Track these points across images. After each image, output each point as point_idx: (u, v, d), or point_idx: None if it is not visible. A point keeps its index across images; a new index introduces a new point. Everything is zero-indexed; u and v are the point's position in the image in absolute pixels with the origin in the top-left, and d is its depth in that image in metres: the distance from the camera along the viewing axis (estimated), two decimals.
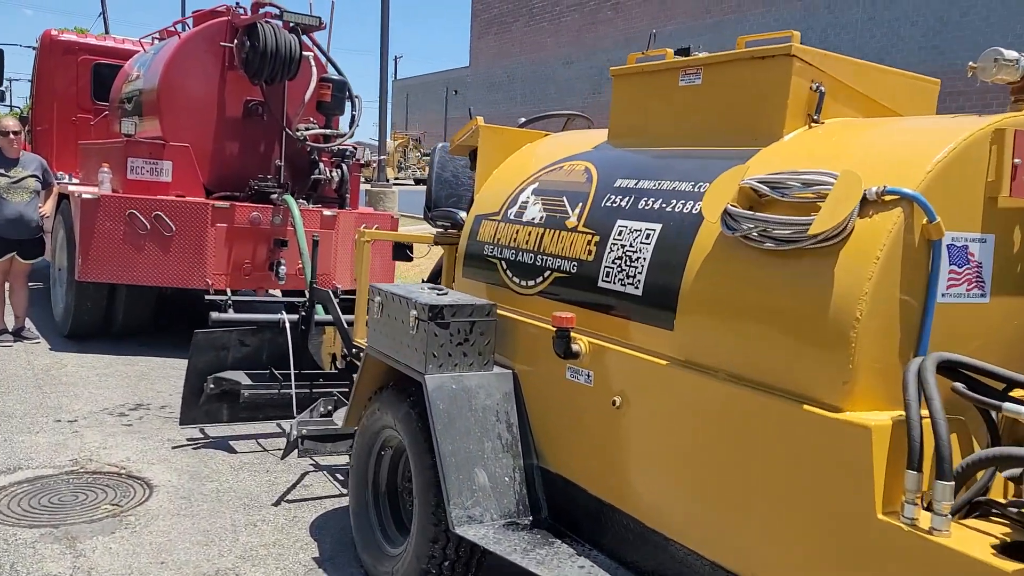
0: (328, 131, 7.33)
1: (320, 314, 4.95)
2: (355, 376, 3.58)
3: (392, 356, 3.07)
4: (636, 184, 2.71)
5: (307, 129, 7.23)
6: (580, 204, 2.88)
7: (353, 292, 5.62)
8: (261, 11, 6.86)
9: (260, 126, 7.35)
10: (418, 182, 36.88)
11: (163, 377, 6.00)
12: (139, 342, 7.02)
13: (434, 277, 5.10)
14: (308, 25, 6.92)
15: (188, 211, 6.54)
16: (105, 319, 6.99)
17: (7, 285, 6.83)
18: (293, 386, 4.57)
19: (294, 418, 4.61)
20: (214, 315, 4.72)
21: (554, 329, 2.63)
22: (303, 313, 4.85)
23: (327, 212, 7.05)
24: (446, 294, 3.09)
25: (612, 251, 2.63)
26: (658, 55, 2.98)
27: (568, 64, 46.91)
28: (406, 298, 2.98)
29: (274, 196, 6.81)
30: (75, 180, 8.98)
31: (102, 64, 9.92)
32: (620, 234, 2.62)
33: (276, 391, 4.60)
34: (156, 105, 7.00)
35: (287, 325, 4.74)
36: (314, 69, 7.18)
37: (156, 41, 8.45)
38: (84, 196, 6.43)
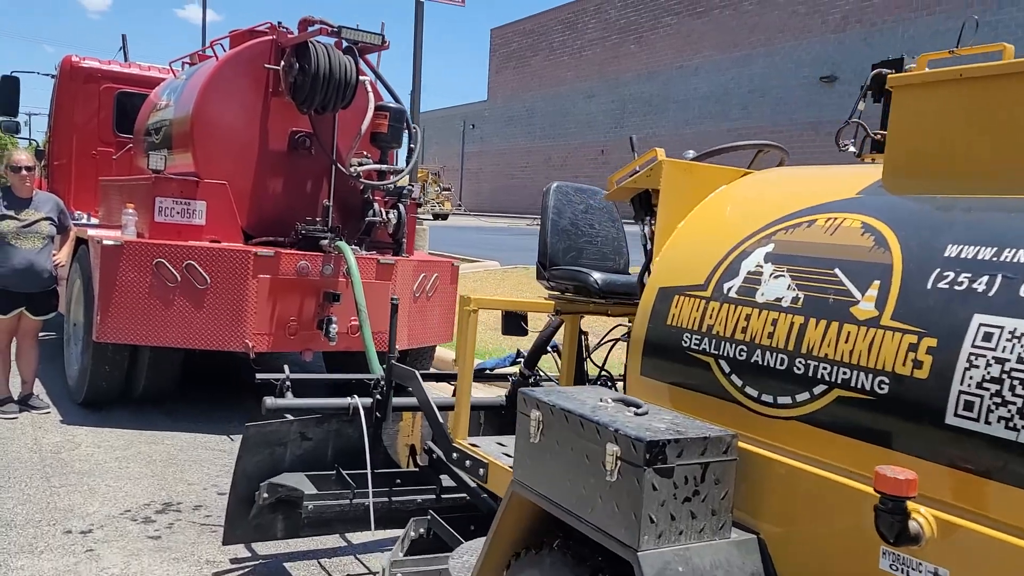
0: (384, 166, 6.38)
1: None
2: (463, 482, 2.55)
3: (569, 509, 2.05)
4: (999, 256, 1.69)
5: (360, 164, 6.28)
6: (877, 282, 1.86)
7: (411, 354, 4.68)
8: (310, 29, 5.96)
9: (307, 161, 6.41)
10: (436, 216, 36.13)
11: (194, 462, 4.99)
12: (163, 411, 6.02)
13: (537, 353, 4.10)
14: (369, 44, 6.00)
15: (226, 260, 5.58)
16: (125, 383, 6.00)
17: (14, 345, 5.86)
18: (371, 494, 3.54)
19: (370, 530, 3.62)
20: (268, 401, 3.71)
21: (876, 494, 1.61)
22: (379, 396, 3.84)
23: (384, 260, 6.07)
24: (646, 412, 2.07)
25: (972, 366, 1.60)
26: (991, 51, 2.00)
27: (589, 98, 46.46)
28: (595, 423, 1.97)
29: (324, 242, 5.83)
30: (94, 221, 8.06)
31: (126, 93, 9.08)
32: (987, 339, 1.60)
33: (348, 500, 3.57)
34: (189, 136, 6.07)
35: (361, 412, 3.73)
36: (370, 95, 6.26)
37: (186, 66, 7.56)
38: (105, 242, 5.48)
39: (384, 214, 6.29)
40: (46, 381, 6.50)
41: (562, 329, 3.64)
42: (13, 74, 9.39)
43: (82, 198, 8.66)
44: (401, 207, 6.41)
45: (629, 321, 3.59)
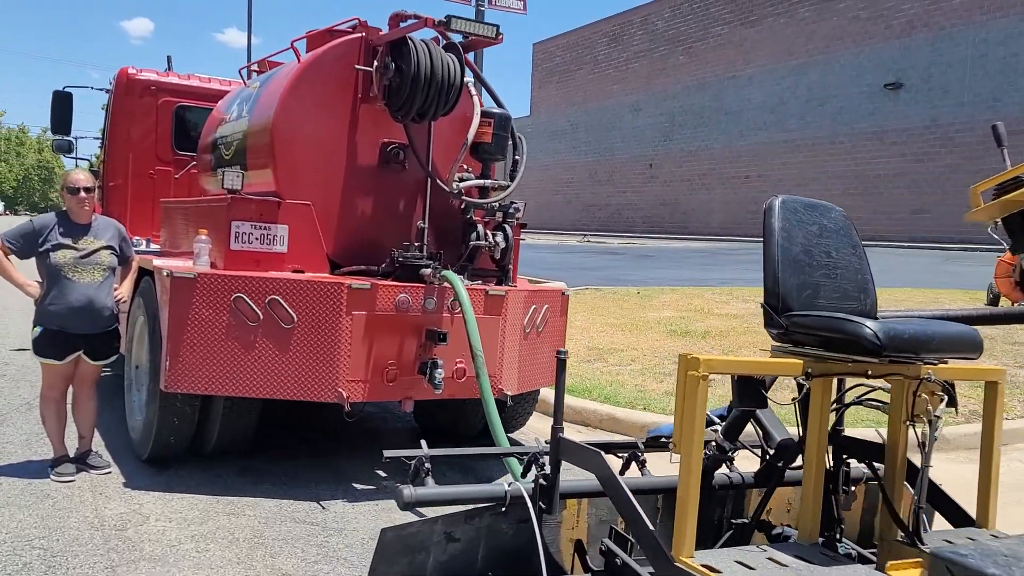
0: (487, 182, 5.51)
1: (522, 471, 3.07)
2: None
3: None
4: None
5: (462, 180, 5.42)
6: None
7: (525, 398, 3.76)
8: (405, 24, 5.13)
9: (399, 177, 5.57)
10: None
11: (284, 541, 4.12)
12: (239, 469, 5.18)
13: (742, 421, 3.17)
14: (480, 38, 5.14)
15: (315, 294, 4.73)
16: (196, 436, 5.18)
17: (70, 393, 5.08)
18: None
19: None
20: (406, 493, 2.82)
21: None
22: (542, 480, 2.93)
23: (493, 291, 5.19)
24: None
25: None
26: None
27: (636, 111, 45.47)
28: None
29: (426, 272, 4.96)
30: (154, 247, 7.31)
31: (186, 107, 8.37)
32: None
33: None
34: (268, 150, 5.26)
35: (528, 503, 2.83)
36: (475, 99, 5.41)
37: (254, 74, 6.79)
38: (175, 274, 4.67)
39: (492, 238, 5.40)
40: (105, 431, 5.71)
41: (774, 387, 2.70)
42: (66, 89, 8.74)
43: (139, 222, 7.94)
44: (508, 228, 5.53)
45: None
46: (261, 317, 4.69)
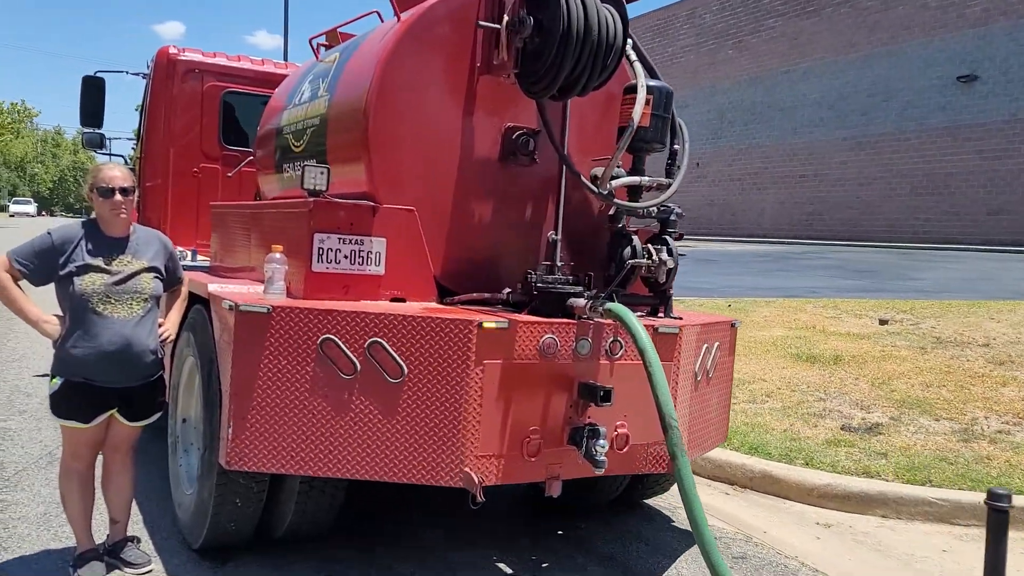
0: (642, 179, 4.14)
1: None
2: None
3: None
4: None
5: (612, 177, 4.06)
6: None
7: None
8: None
9: (527, 173, 4.24)
10: None
11: None
12: (316, 562, 3.89)
13: None
14: None
15: (434, 336, 3.40)
16: (263, 518, 3.89)
17: (99, 462, 3.81)
18: None
19: None
20: None
21: None
22: None
23: (665, 328, 3.82)
24: None
25: None
26: None
27: (683, 107, 43.66)
28: None
29: (578, 303, 3.62)
30: (201, 260, 6.07)
31: (236, 94, 7.11)
32: None
33: None
34: (360, 137, 3.94)
35: None
36: (638, 68, 4.05)
37: (322, 49, 5.47)
38: (242, 307, 3.37)
39: (655, 255, 4.04)
40: (144, 507, 4.45)
41: None
42: (97, 74, 7.53)
43: (181, 230, 6.69)
44: (670, 241, 4.17)
45: None
46: (359, 368, 3.37)
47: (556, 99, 3.89)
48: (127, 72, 7.99)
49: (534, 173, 4.24)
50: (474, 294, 3.93)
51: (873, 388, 7.02)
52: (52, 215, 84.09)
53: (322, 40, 5.79)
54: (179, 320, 3.99)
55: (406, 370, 3.38)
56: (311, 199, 3.74)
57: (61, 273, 3.46)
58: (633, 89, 4.07)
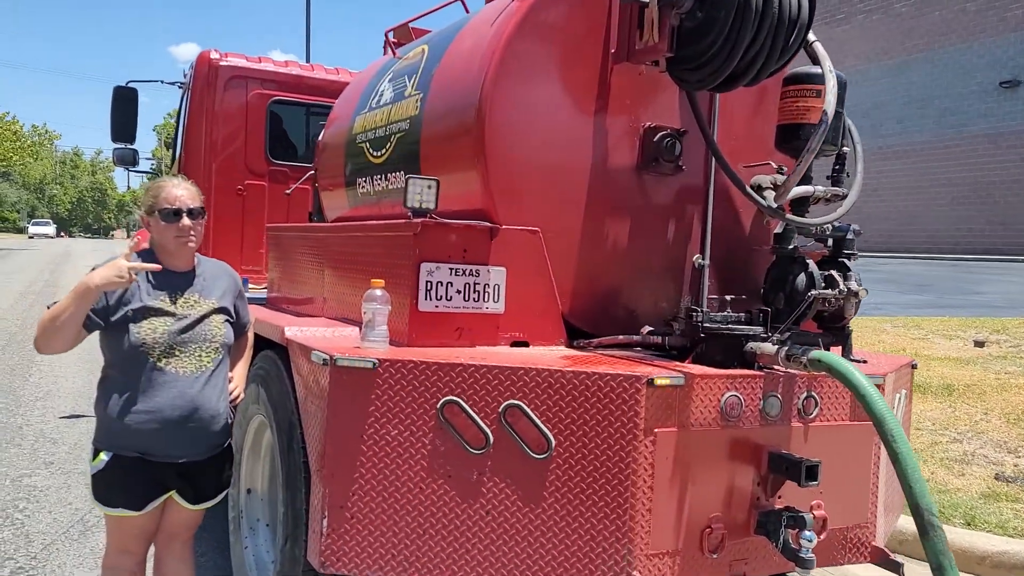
0: (819, 188, 3.34)
1: None
2: None
3: None
4: None
5: (774, 186, 3.26)
6: None
7: None
8: None
9: (669, 184, 3.45)
10: None
11: None
12: None
13: None
14: None
15: (590, 397, 2.60)
16: None
17: (151, 550, 3.02)
18: None
19: None
20: None
21: None
22: None
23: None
24: None
25: None
26: None
27: None
28: None
29: (765, 348, 2.81)
30: (252, 288, 5.32)
31: (283, 103, 6.39)
32: None
33: None
34: (473, 142, 3.14)
35: None
36: (819, 50, 3.26)
37: (393, 49, 4.70)
38: (340, 362, 2.60)
39: (839, 281, 3.22)
40: None
41: None
42: (129, 84, 6.83)
43: (225, 255, 5.91)
44: (850, 264, 3.36)
45: None
46: (491, 440, 2.58)
47: (718, 90, 3.09)
48: (162, 82, 7.30)
49: (675, 183, 3.45)
50: (619, 336, 3.13)
51: (1010, 425, 6.15)
52: (71, 236, 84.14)
53: (401, 36, 5.06)
54: (247, 373, 3.22)
55: (554, 443, 2.59)
56: (417, 220, 2.96)
57: (113, 319, 2.69)
58: (795, 79, 3.27)
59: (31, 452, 5.95)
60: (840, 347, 3.37)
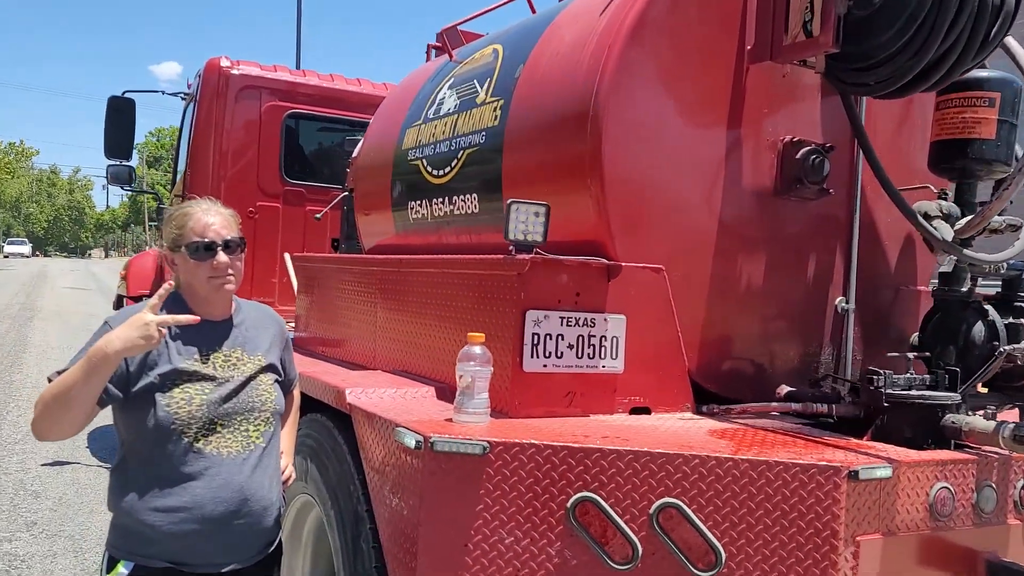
0: (997, 218, 2.74)
1: None
2: None
3: None
4: None
5: (943, 215, 2.67)
6: None
7: None
8: None
9: (804, 212, 2.84)
10: None
11: None
12: None
13: None
14: None
15: (770, 494, 1.97)
16: None
17: None
18: None
19: None
20: None
21: None
22: None
23: None
24: None
25: None
26: None
27: None
28: None
29: (979, 423, 2.19)
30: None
31: (301, 116, 5.77)
32: None
33: None
34: (584, 157, 2.50)
35: None
36: (1016, 48, 2.68)
37: (449, 51, 4.08)
38: (440, 444, 1.95)
39: None
40: None
41: None
42: (126, 95, 6.18)
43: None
44: None
45: None
46: (639, 551, 1.94)
47: (896, 95, 2.50)
48: (163, 92, 6.64)
49: (816, 210, 2.84)
50: (771, 404, 2.50)
51: None
52: (47, 255, 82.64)
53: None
54: (294, 442, 2.55)
55: (724, 555, 1.95)
56: (523, 256, 2.33)
57: (135, 389, 2.03)
58: (962, 85, 2.67)
59: (10, 509, 5.21)
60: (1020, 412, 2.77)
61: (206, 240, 2.11)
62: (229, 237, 2.16)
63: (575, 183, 2.56)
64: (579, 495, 1.97)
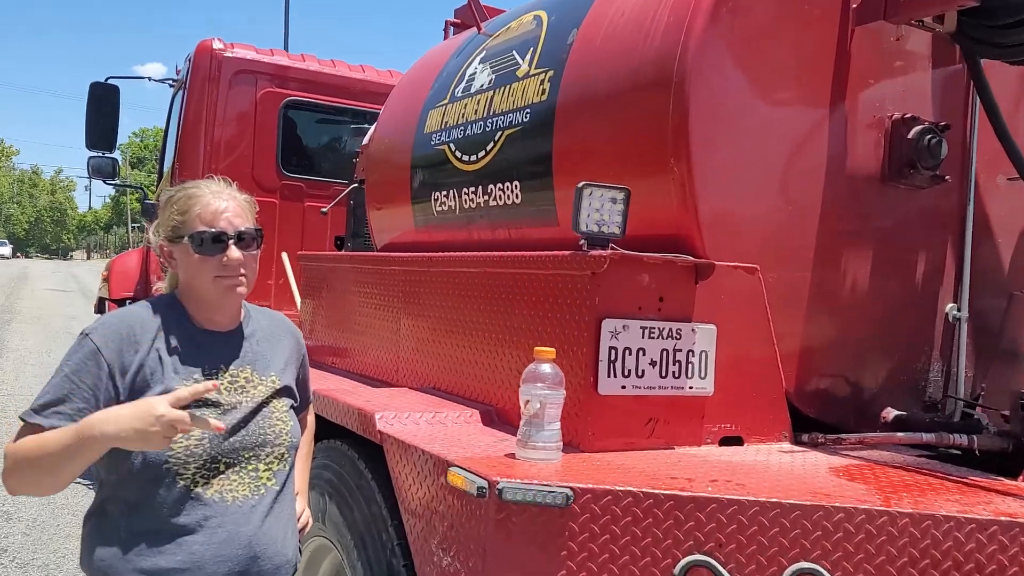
0: None
1: None
2: None
3: None
4: None
5: None
6: None
7: None
8: None
9: (913, 202, 2.41)
10: None
11: None
12: None
13: None
14: None
15: (940, 558, 1.55)
16: None
17: None
18: None
19: None
20: None
21: None
22: None
23: None
24: None
25: None
26: None
27: None
28: None
29: None
30: None
31: (300, 104, 5.31)
32: None
33: None
34: (675, 139, 2.08)
35: None
36: None
37: (478, 23, 3.64)
38: (507, 490, 1.51)
39: None
40: None
41: None
42: (109, 81, 5.70)
43: None
44: None
45: None
46: None
47: None
48: (149, 79, 6.15)
49: (926, 201, 2.42)
50: (897, 435, 2.06)
51: None
52: (27, 256, 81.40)
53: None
54: (308, 479, 2.10)
55: None
56: (598, 252, 1.89)
57: None
58: None
59: None
60: None
61: (215, 230, 1.66)
62: (243, 228, 1.71)
63: (652, 164, 2.12)
64: (689, 558, 1.54)
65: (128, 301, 6.09)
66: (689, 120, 2.03)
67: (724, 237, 2.07)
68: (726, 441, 2.07)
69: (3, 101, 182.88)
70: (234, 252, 1.68)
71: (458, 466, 1.66)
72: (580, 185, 1.90)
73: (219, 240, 1.67)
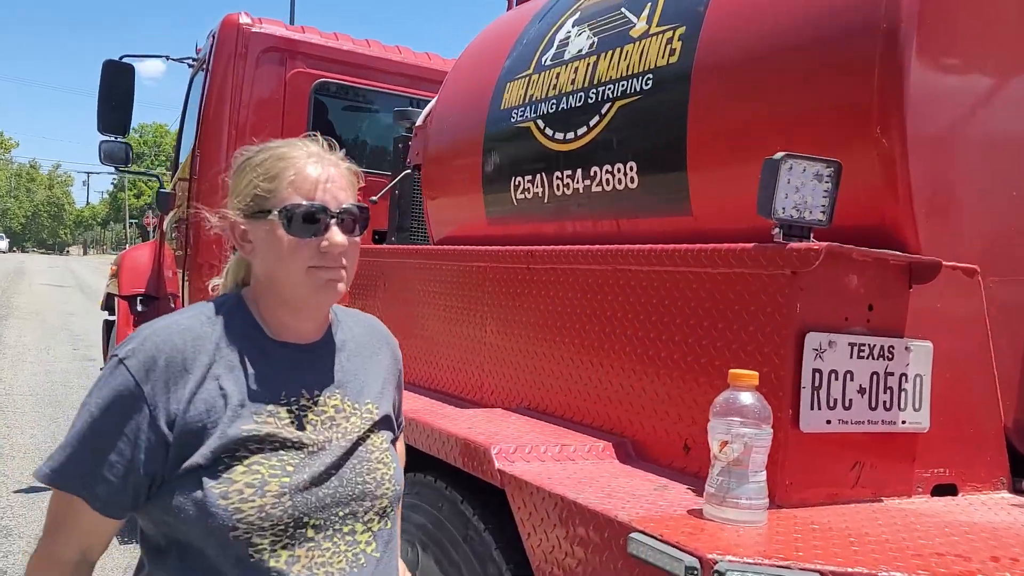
0: None
1: None
2: None
3: None
4: None
5: None
6: None
7: None
8: None
9: None
10: None
11: None
12: None
13: None
14: None
15: None
16: None
17: None
18: None
19: None
20: None
21: None
22: None
23: None
24: None
25: None
26: None
27: None
28: None
29: None
30: None
31: (331, 86, 4.87)
32: None
33: None
34: (884, 101, 1.64)
35: None
36: None
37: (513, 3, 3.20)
38: (729, 573, 1.06)
39: None
40: None
41: None
42: (123, 59, 5.24)
43: None
44: None
45: None
46: None
47: None
48: (167, 57, 5.67)
49: None
50: None
51: None
52: (24, 251, 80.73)
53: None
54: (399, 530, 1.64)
55: None
56: (805, 244, 1.43)
57: (179, 471, 1.12)
58: None
59: None
60: None
61: (315, 204, 1.21)
62: (347, 205, 1.25)
63: (846, 134, 1.67)
64: None
65: (139, 298, 5.63)
66: (905, 81, 1.58)
67: (943, 232, 1.63)
68: (939, 490, 1.62)
69: (2, 95, 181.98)
70: (337, 235, 1.22)
71: (645, 533, 1.21)
72: (778, 156, 1.45)
73: (315, 218, 1.22)
